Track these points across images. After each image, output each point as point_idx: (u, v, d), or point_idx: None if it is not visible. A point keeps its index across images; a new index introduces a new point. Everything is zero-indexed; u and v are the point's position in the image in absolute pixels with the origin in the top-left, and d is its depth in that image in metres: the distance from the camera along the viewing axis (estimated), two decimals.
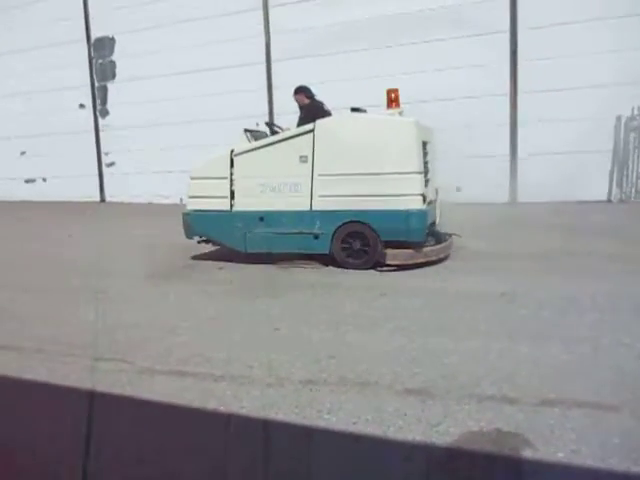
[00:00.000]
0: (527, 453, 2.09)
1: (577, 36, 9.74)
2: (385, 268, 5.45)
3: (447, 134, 10.57)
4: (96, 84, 14.99)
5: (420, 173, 5.40)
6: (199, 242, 6.39)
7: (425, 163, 5.70)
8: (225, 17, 12.71)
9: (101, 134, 15.11)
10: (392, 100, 5.73)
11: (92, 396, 2.85)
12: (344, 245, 5.58)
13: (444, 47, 10.74)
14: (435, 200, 6.25)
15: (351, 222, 5.52)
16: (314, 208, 5.67)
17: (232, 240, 6.08)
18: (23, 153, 16.38)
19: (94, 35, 14.77)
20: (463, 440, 2.21)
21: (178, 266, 6.15)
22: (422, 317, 3.85)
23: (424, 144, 5.68)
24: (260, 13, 12.48)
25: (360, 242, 5.52)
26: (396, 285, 4.84)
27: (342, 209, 5.54)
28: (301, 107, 6.39)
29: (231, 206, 6.04)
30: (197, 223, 6.22)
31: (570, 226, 7.56)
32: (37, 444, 2.45)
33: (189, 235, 6.33)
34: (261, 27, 12.52)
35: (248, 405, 2.60)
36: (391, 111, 5.70)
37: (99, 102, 15.06)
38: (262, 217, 5.85)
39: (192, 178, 6.29)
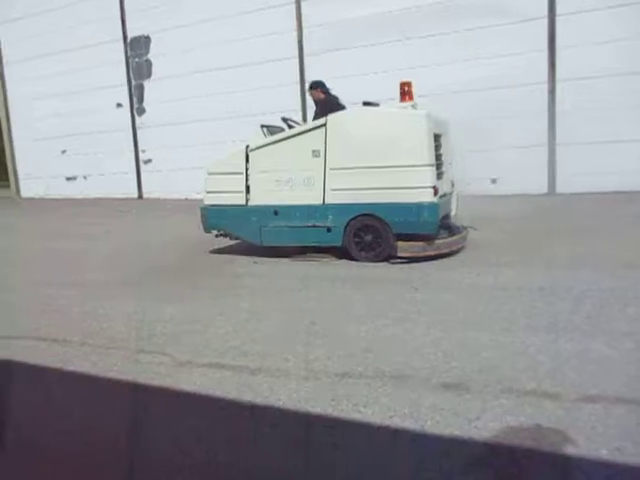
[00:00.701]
0: (569, 450, 2.05)
1: (615, 21, 9.41)
2: (398, 260, 5.49)
3: (482, 124, 10.46)
4: (133, 83, 15.29)
5: (431, 166, 5.39)
6: (217, 236, 6.54)
7: (439, 155, 5.71)
8: (257, 12, 12.77)
9: (138, 132, 15.41)
10: (405, 93, 5.74)
11: (134, 388, 2.93)
12: (356, 238, 5.63)
13: (479, 36, 10.53)
14: (451, 192, 6.27)
15: (363, 215, 5.57)
16: (327, 202, 5.75)
17: (248, 234, 6.23)
18: (64, 152, 16.86)
19: (130, 34, 15.06)
20: (502, 435, 2.18)
21: (212, 260, 6.25)
22: (457, 311, 3.80)
23: (437, 137, 5.68)
24: (292, 7, 12.48)
25: (372, 235, 5.57)
26: (428, 279, 4.79)
27: (354, 202, 5.59)
28: (316, 102, 6.48)
29: (247, 200, 6.15)
30: (214, 217, 6.39)
31: (603, 217, 7.33)
32: (81, 434, 2.54)
33: (207, 229, 6.50)
34: (293, 22, 12.52)
35: (284, 398, 2.62)
36: (404, 104, 5.70)
37: (136, 100, 15.36)
38: (276, 211, 5.95)
39: (209, 174, 6.44)
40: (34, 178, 17.77)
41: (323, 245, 5.86)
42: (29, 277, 5.98)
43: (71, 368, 3.19)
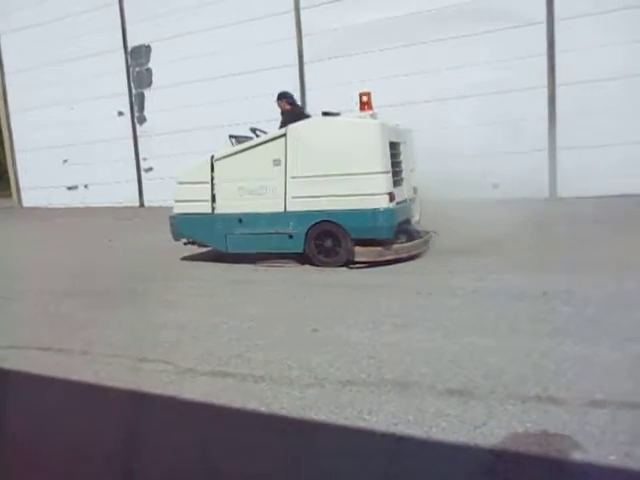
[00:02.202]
0: (576, 455, 2.03)
1: (614, 25, 9.43)
2: (357, 265, 5.67)
3: (482, 129, 10.48)
4: (133, 91, 15.35)
5: (386, 173, 5.58)
6: (185, 244, 6.72)
7: (397, 163, 5.99)
8: (257, 21, 12.84)
9: (139, 140, 15.46)
10: (364, 103, 5.92)
11: (136, 396, 2.91)
12: (317, 244, 5.82)
13: (478, 41, 10.56)
14: (412, 198, 6.54)
15: (322, 222, 5.76)
16: (288, 209, 5.93)
17: (215, 241, 6.44)
18: (65, 161, 16.91)
19: (131, 44, 15.13)
20: (508, 442, 2.15)
21: (212, 268, 6.24)
22: (461, 316, 3.78)
23: (395, 145, 5.96)
24: (292, 15, 12.54)
25: (331, 241, 5.77)
26: (433, 284, 4.77)
27: (314, 209, 5.78)
28: (282, 113, 6.63)
29: (213, 209, 6.35)
30: (183, 226, 6.59)
31: (611, 221, 7.31)
32: (84, 443, 2.52)
33: (176, 237, 6.71)
34: (293, 29, 12.57)
35: (288, 406, 2.60)
36: (363, 114, 5.86)
37: (137, 109, 15.41)
38: (241, 219, 6.15)
39: (178, 183, 6.67)
40: (35, 188, 17.81)
41: (286, 251, 6.02)
42: (31, 286, 5.97)
43: (74, 377, 3.18)
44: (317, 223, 5.78)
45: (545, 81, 10.23)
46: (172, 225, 6.67)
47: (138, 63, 15.14)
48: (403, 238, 5.94)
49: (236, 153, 6.21)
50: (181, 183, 6.65)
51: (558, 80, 10.15)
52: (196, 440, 2.45)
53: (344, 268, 5.67)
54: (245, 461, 2.25)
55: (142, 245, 8.34)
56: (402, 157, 6.21)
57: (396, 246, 5.72)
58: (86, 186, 16.69)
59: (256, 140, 6.22)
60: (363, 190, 5.56)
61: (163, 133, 14.72)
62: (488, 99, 10.46)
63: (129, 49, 15.21)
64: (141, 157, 15.49)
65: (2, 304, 5.23)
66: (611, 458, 2.00)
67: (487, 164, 10.47)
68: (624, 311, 3.66)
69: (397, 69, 11.21)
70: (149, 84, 15.08)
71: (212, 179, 6.32)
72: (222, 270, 6.17)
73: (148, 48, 14.89)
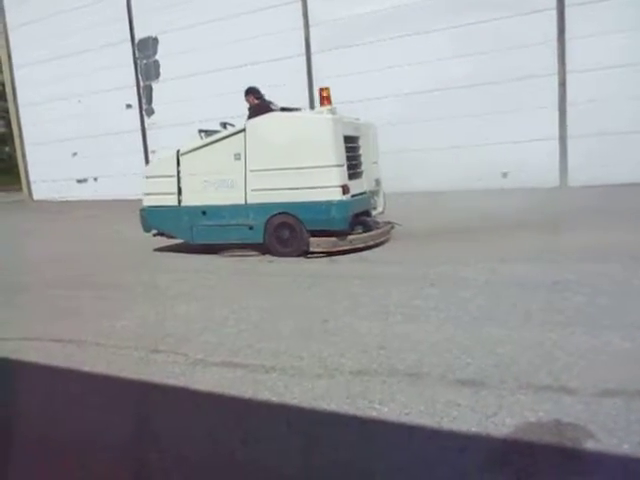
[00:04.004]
0: (589, 445, 2.02)
1: (626, 11, 9.28)
2: (316, 255, 5.88)
3: (492, 118, 10.40)
4: (141, 84, 15.35)
5: (339, 166, 5.78)
6: (154, 235, 6.96)
7: (355, 156, 6.24)
8: (264, 12, 12.76)
9: (147, 132, 15.47)
10: (324, 98, 6.05)
11: (148, 387, 2.93)
12: (276, 234, 6.04)
13: (488, 29, 10.43)
14: (375, 190, 6.79)
15: (280, 214, 5.99)
16: (248, 202, 6.17)
17: (181, 233, 6.72)
18: (75, 154, 16.98)
19: (138, 36, 15.11)
20: (520, 431, 2.15)
21: (218, 259, 6.26)
22: (472, 307, 3.77)
23: (353, 139, 6.19)
24: (299, 5, 12.45)
25: (289, 232, 5.99)
26: (443, 275, 4.75)
27: (272, 202, 6.00)
28: (249, 108, 6.73)
29: (179, 202, 6.58)
30: (151, 218, 6.86)
31: (612, 209, 7.24)
32: (98, 433, 2.54)
33: (145, 229, 6.98)
34: (300, 19, 12.49)
35: (299, 396, 2.61)
36: (322, 109, 5.99)
37: (145, 101, 15.42)
38: (204, 211, 6.39)
39: (146, 177, 6.95)
40: (46, 181, 17.91)
41: (247, 242, 6.25)
42: (43, 278, 6.02)
43: (86, 369, 3.21)
44: (275, 215, 6.01)
45: (555, 68, 10.10)
46: (142, 217, 6.94)
47: (145, 55, 15.13)
48: (360, 229, 6.12)
49: (200, 147, 6.43)
50: (149, 177, 6.93)
51: (568, 67, 10.02)
52: (208, 430, 2.47)
53: (346, 259, 5.72)
54: (257, 451, 2.26)
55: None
56: (361, 151, 6.42)
57: (351, 237, 5.93)
58: (95, 179, 16.77)
59: (218, 135, 6.42)
60: (317, 183, 5.76)
61: (171, 125, 14.71)
62: (497, 87, 10.37)
63: (136, 41, 15.19)
64: (149, 149, 15.51)
65: (14, 296, 5.28)
66: (624, 447, 1.99)
67: (496, 153, 10.42)
68: (636, 301, 3.63)
69: (405, 58, 11.12)
70: (157, 76, 15.07)
71: (178, 173, 6.54)
72: (230, 262, 6.18)
73: (155, 40, 14.87)
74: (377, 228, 6.29)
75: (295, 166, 5.84)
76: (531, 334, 3.15)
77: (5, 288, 5.63)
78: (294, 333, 3.53)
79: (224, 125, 6.64)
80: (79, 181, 17.10)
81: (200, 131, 6.75)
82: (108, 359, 3.33)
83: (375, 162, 6.95)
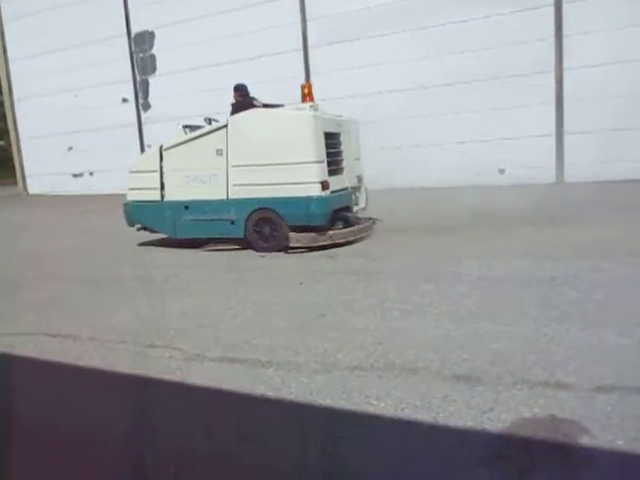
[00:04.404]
0: (584, 440, 2.03)
1: (624, 8, 9.28)
2: (298, 250, 5.94)
3: (489, 114, 10.41)
4: (138, 78, 15.28)
5: (319, 162, 5.83)
6: (138, 229, 7.03)
7: (336, 153, 6.29)
8: (261, 6, 12.71)
9: (144, 127, 15.41)
10: (306, 94, 6.18)
11: (144, 382, 2.93)
12: (256, 229, 6.11)
13: (486, 25, 10.44)
14: (357, 187, 6.82)
15: (261, 209, 6.04)
16: (230, 197, 6.22)
17: (164, 227, 6.79)
18: (70, 148, 16.90)
19: (134, 30, 15.03)
20: (516, 427, 2.16)
21: (212, 254, 6.26)
22: (468, 302, 3.77)
23: (333, 135, 6.24)
24: (296, 0, 12.40)
25: (269, 227, 6.05)
26: (439, 270, 4.76)
27: (253, 197, 6.06)
28: (232, 104, 6.77)
29: (162, 197, 6.67)
30: (135, 213, 6.95)
31: (608, 205, 7.26)
32: (93, 428, 2.54)
33: (129, 223, 7.06)
34: (297, 14, 12.44)
35: (296, 391, 2.62)
36: (304, 105, 6.06)
37: (141, 96, 15.35)
38: (187, 206, 6.46)
39: (130, 172, 7.00)
40: (41, 175, 17.83)
41: (228, 236, 6.32)
42: (38, 273, 6.00)
43: (82, 363, 3.20)
44: (256, 210, 6.06)
45: (553, 65, 10.10)
46: (125, 212, 7.02)
47: (142, 49, 15.06)
48: (340, 224, 6.18)
49: (183, 143, 6.49)
50: (133, 172, 6.97)
51: (566, 64, 10.02)
52: (204, 425, 2.47)
53: (342, 254, 5.73)
54: (253, 446, 2.26)
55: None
56: (342, 147, 6.46)
57: (331, 232, 5.98)
58: (91, 173, 16.70)
59: (201, 131, 6.47)
60: (297, 179, 5.81)
61: (167, 120, 14.61)
62: (495, 83, 10.37)
63: (132, 35, 15.11)
64: (146, 144, 15.44)
65: (10, 290, 5.26)
66: (619, 443, 2.00)
67: (493, 150, 10.43)
68: (632, 297, 3.64)
69: (403, 53, 11.10)
70: (153, 70, 15.01)
71: (161, 168, 6.61)
72: (224, 257, 6.17)
73: (152, 34, 14.79)
74: (358, 224, 6.35)
75: (275, 162, 5.89)
76: (527, 330, 3.16)
77: (1, 283, 5.61)
78: (290, 328, 3.53)
79: (209, 120, 6.67)
80: (75, 175, 17.03)
81: (184, 126, 6.80)
82: (104, 354, 3.32)
83: (357, 158, 7.02)
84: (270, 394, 2.61)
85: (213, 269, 5.62)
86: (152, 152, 6.70)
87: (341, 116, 6.74)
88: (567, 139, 10.16)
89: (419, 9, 11.00)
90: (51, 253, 7.23)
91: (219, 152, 6.21)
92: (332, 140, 6.20)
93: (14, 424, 2.71)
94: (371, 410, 2.39)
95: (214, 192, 6.27)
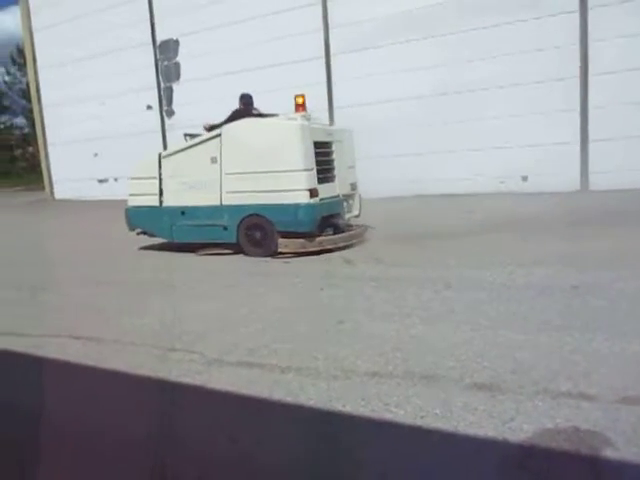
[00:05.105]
0: (607, 453, 1.99)
1: None
2: (288, 256, 6.07)
3: (512, 121, 10.30)
4: (162, 85, 15.51)
5: (307, 170, 6.01)
6: (138, 234, 7.28)
7: (328, 161, 6.50)
8: (284, 14, 12.80)
9: (167, 134, 15.61)
10: (299, 105, 6.35)
11: (165, 385, 2.96)
12: (248, 235, 6.31)
13: (509, 31, 10.34)
14: (351, 194, 7.03)
15: (252, 215, 6.26)
16: (223, 203, 6.46)
17: (162, 232, 7.04)
18: (96, 154, 17.19)
19: (159, 38, 15.27)
20: (538, 437, 2.13)
21: (228, 260, 6.31)
22: (489, 310, 3.74)
23: (323, 144, 6.41)
24: (318, 7, 12.47)
25: (260, 232, 6.25)
26: (459, 277, 4.72)
27: (245, 204, 6.28)
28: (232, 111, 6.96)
29: (160, 202, 6.94)
30: (135, 217, 7.24)
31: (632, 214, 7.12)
32: (116, 430, 2.57)
33: (130, 228, 7.33)
34: (320, 22, 12.51)
35: (315, 397, 2.62)
36: (296, 115, 6.26)
37: (165, 103, 15.57)
38: (183, 211, 6.72)
39: (131, 178, 7.36)
40: (67, 181, 18.17)
41: (221, 241, 6.52)
42: (63, 276, 6.12)
43: (105, 366, 3.25)
44: (247, 216, 6.28)
45: (578, 71, 9.96)
46: (126, 217, 7.30)
47: (167, 57, 15.28)
48: (330, 231, 6.34)
49: (180, 151, 6.78)
50: (133, 178, 7.32)
51: (591, 70, 9.88)
52: (225, 429, 2.48)
53: (359, 260, 5.72)
54: (274, 450, 2.27)
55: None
56: (334, 156, 6.63)
57: (320, 239, 6.14)
58: (116, 179, 16.95)
59: (197, 139, 6.73)
60: (286, 186, 6.00)
61: (191, 127, 14.77)
62: (519, 90, 10.27)
63: (158, 43, 15.36)
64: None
65: (35, 293, 5.37)
66: None
67: (516, 157, 10.31)
68: None
69: (424, 60, 11.06)
70: (177, 78, 15.22)
71: (160, 175, 6.88)
72: (246, 263, 6.21)
73: (176, 42, 15.01)
74: (349, 230, 6.51)
75: (266, 170, 6.09)
76: (549, 339, 3.11)
77: (27, 286, 5.73)
78: (310, 334, 3.53)
79: (210, 128, 6.82)
80: (100, 181, 17.31)
81: (185, 135, 7.03)
82: (126, 357, 3.37)
83: (351, 167, 7.18)
84: (289, 399, 2.61)
85: (234, 274, 5.66)
86: (151, 159, 7.00)
87: (332, 125, 6.90)
88: (592, 146, 9.99)
89: (440, 16, 10.96)
90: (70, 257, 7.36)
91: (213, 160, 6.45)
92: (323, 149, 6.40)
93: (37, 423, 2.76)
94: (390, 417, 2.37)
95: (209, 198, 6.50)
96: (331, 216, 6.36)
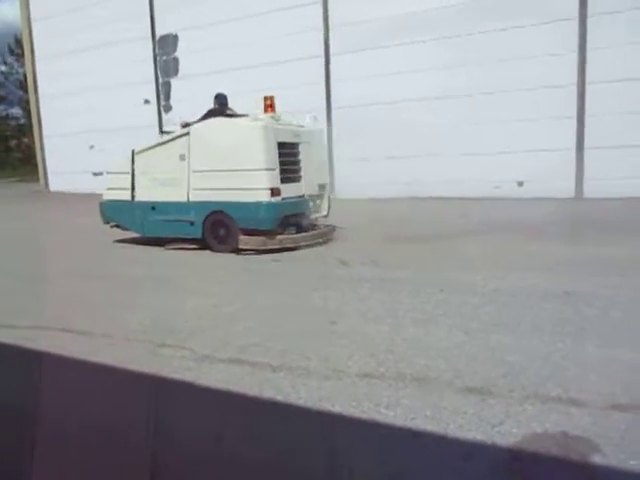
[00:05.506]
0: (596, 459, 2.00)
1: None
2: (250, 253, 6.28)
3: (508, 126, 10.34)
4: (160, 80, 15.46)
5: (269, 170, 6.20)
6: (112, 227, 7.53)
7: (293, 161, 6.65)
8: (283, 12, 12.80)
9: (164, 129, 15.56)
10: (268, 106, 6.57)
11: (155, 381, 2.95)
12: (212, 231, 6.53)
13: (508, 37, 10.39)
14: (320, 195, 7.15)
15: (216, 212, 6.46)
16: (190, 199, 6.67)
17: (134, 225, 7.27)
18: (92, 147, 17.13)
19: (159, 32, 15.23)
20: (526, 442, 2.13)
21: (226, 257, 6.30)
22: (481, 314, 3.74)
23: (289, 145, 6.57)
24: (319, 7, 12.47)
25: (224, 229, 6.47)
26: (453, 281, 4.73)
27: (210, 200, 6.50)
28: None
29: (133, 197, 7.14)
30: (109, 211, 7.48)
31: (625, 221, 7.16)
32: (105, 426, 2.56)
33: (104, 221, 7.57)
34: (320, 21, 12.51)
35: (305, 396, 2.61)
36: (264, 116, 6.46)
37: (163, 97, 15.53)
38: (154, 207, 6.94)
39: (108, 173, 7.62)
40: (62, 173, 18.09)
41: (188, 236, 6.73)
42: (53, 269, 6.09)
43: (95, 359, 3.23)
44: (212, 213, 6.49)
45: (575, 79, 10.01)
46: (101, 211, 7.54)
47: (165, 52, 15.25)
48: (293, 230, 6.52)
49: (152, 148, 7.00)
50: (110, 173, 7.59)
51: (588, 78, 9.93)
52: (213, 426, 2.47)
53: (355, 261, 5.69)
54: (261, 449, 2.26)
55: None
56: (301, 156, 6.78)
57: (281, 237, 6.34)
58: None
59: (167, 137, 7.00)
60: (249, 185, 6.20)
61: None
62: (516, 95, 10.31)
63: (157, 37, 15.31)
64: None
65: (26, 285, 5.33)
66: (631, 463, 1.96)
67: (512, 162, 10.36)
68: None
69: (422, 63, 11.09)
70: (176, 73, 15.18)
71: (133, 170, 7.09)
72: (238, 260, 6.20)
73: (175, 37, 14.98)
74: (313, 230, 6.69)
75: (230, 168, 6.29)
76: (541, 344, 3.12)
77: (18, 277, 5.69)
78: (302, 333, 3.53)
79: (185, 126, 6.93)
80: (95, 174, 17.22)
81: (162, 132, 7.22)
82: (116, 351, 3.35)
83: (321, 168, 7.34)
84: (279, 398, 2.60)
85: (225, 271, 5.66)
86: (126, 156, 7.21)
87: (302, 126, 7.07)
88: (587, 154, 10.05)
89: (440, 20, 10.99)
90: (55, 249, 7.32)
91: (182, 157, 6.66)
92: (289, 149, 6.56)
93: (26, 416, 2.74)
94: (380, 419, 2.37)
95: (177, 194, 6.71)
96: (295, 215, 6.55)
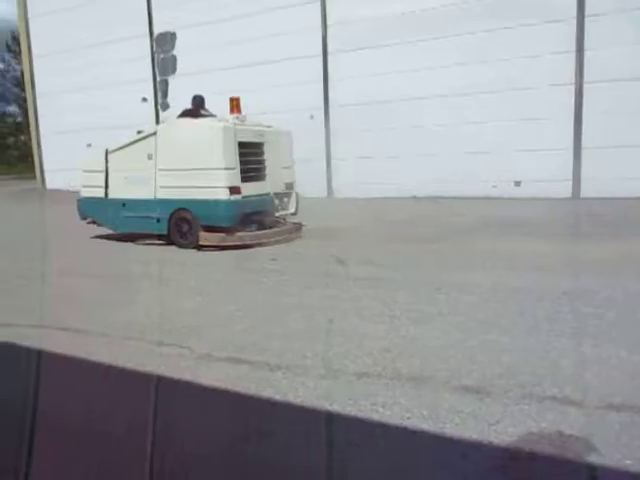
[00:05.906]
0: (591, 458, 2.01)
1: None
2: (209, 248, 6.52)
3: (506, 125, 10.35)
4: (157, 78, 15.42)
5: (229, 169, 6.49)
6: (88, 223, 7.84)
7: (257, 161, 6.94)
8: (282, 10, 12.75)
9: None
10: (234, 107, 6.91)
11: (153, 379, 2.95)
12: (177, 227, 6.81)
13: (506, 36, 10.37)
14: (288, 193, 7.43)
15: (180, 209, 6.76)
16: (157, 197, 6.96)
17: (107, 222, 7.62)
18: (89, 145, 17.05)
19: (156, 30, 15.18)
20: (522, 441, 2.14)
21: (221, 255, 6.29)
22: (478, 313, 3.75)
23: (252, 145, 6.87)
24: (317, 5, 12.45)
25: (187, 225, 6.74)
26: (450, 280, 4.73)
27: (174, 198, 6.79)
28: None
29: (106, 194, 7.46)
30: (85, 207, 7.84)
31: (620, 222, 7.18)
32: (102, 421, 2.56)
33: (81, 217, 7.92)
34: (318, 19, 12.49)
35: (302, 395, 2.62)
36: (231, 116, 6.83)
37: (160, 96, 15.49)
38: (124, 204, 7.24)
39: (83, 171, 7.91)
40: (59, 171, 18.00)
41: (155, 232, 6.97)
42: (51, 267, 6.07)
43: (93, 358, 3.23)
44: (177, 210, 6.78)
45: (573, 78, 10.02)
46: (78, 207, 7.90)
47: (163, 50, 15.20)
48: (253, 227, 6.78)
49: (123, 147, 7.28)
50: (85, 171, 7.88)
51: (586, 77, 9.94)
52: (210, 425, 2.48)
53: (352, 261, 5.67)
54: (258, 448, 2.27)
55: None
56: (265, 156, 7.08)
57: (241, 234, 6.59)
58: None
59: (137, 136, 7.24)
60: (209, 183, 6.49)
61: None
62: (514, 95, 10.31)
63: (154, 35, 15.27)
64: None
65: (23, 284, 5.33)
66: (627, 462, 1.97)
67: (510, 162, 10.36)
68: None
69: (419, 63, 11.07)
70: (173, 71, 15.14)
71: (106, 169, 7.40)
72: (236, 258, 6.20)
73: (173, 35, 14.93)
74: (276, 227, 6.96)
75: (193, 167, 6.57)
76: (537, 343, 3.14)
77: (15, 276, 5.69)
78: (299, 332, 3.53)
79: (138, 132, 7.27)
80: None
81: (138, 132, 7.38)
82: (114, 350, 3.35)
83: (287, 167, 7.59)
84: (277, 397, 2.61)
85: (221, 270, 5.66)
86: (100, 154, 7.50)
87: (270, 127, 7.34)
88: (584, 154, 10.06)
89: (439, 19, 10.97)
90: (42, 247, 7.33)
91: (150, 156, 6.93)
92: (252, 149, 6.86)
93: (23, 414, 2.74)
94: (377, 418, 2.38)
95: (145, 192, 6.98)
96: (257, 213, 6.81)
